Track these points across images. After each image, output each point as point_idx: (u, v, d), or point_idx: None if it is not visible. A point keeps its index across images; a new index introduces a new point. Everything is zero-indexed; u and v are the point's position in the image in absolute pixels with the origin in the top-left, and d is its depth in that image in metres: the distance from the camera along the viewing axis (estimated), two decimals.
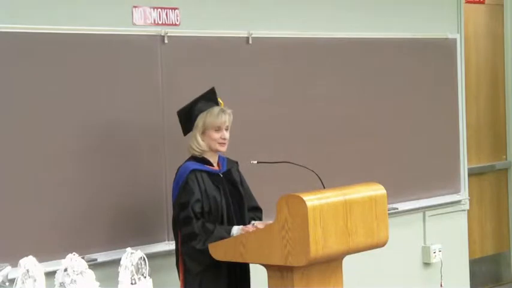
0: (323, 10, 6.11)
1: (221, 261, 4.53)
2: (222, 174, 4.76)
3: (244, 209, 4.81)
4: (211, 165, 4.74)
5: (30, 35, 4.65)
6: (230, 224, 4.67)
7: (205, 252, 4.52)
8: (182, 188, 4.63)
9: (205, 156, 4.73)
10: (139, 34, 5.11)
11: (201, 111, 4.71)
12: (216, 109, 4.71)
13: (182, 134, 4.81)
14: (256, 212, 4.90)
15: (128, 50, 5.04)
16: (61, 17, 4.80)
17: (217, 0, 5.53)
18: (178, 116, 4.79)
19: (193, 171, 4.64)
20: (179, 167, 4.71)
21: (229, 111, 4.74)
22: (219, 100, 4.78)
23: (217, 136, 4.70)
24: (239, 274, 4.74)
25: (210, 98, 4.76)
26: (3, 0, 4.61)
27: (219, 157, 4.81)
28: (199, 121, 4.71)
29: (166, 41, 5.18)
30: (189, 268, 4.61)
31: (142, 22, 5.17)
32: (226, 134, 4.73)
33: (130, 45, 5.05)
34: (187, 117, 4.75)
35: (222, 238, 4.52)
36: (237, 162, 4.89)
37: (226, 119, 4.72)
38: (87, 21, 4.89)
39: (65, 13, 4.82)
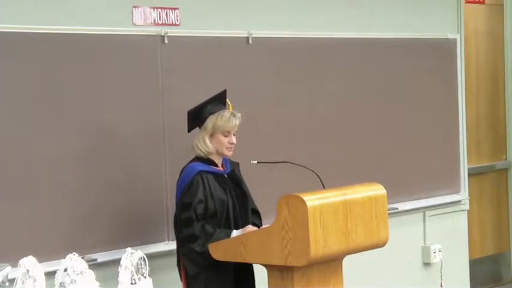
0: (323, 10, 6.11)
1: (223, 263, 4.53)
2: (227, 174, 4.76)
3: (249, 208, 4.80)
4: (217, 166, 4.73)
5: (30, 35, 4.64)
6: (236, 224, 4.67)
7: (204, 254, 4.51)
8: (187, 189, 4.61)
9: (211, 157, 4.71)
10: (139, 34, 5.11)
11: (211, 113, 4.67)
12: (226, 113, 4.67)
13: (182, 135, 4.80)
14: (253, 215, 4.87)
15: (128, 50, 5.04)
16: (61, 17, 4.79)
17: (217, 0, 5.53)
18: (188, 115, 4.75)
19: (200, 172, 4.62)
20: (184, 167, 4.69)
21: (238, 115, 4.70)
22: (228, 102, 4.76)
23: (225, 141, 4.67)
24: (244, 275, 4.73)
25: (220, 100, 4.73)
26: (3, 0, 4.61)
27: (222, 158, 4.80)
28: (209, 123, 4.66)
29: (166, 41, 5.18)
30: (186, 270, 4.61)
31: (142, 22, 5.17)
32: (234, 139, 4.70)
33: (131, 45, 5.05)
34: (196, 117, 4.71)
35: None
36: (238, 163, 4.89)
37: (237, 123, 4.69)
38: (87, 21, 4.88)
39: (64, 13, 4.81)
